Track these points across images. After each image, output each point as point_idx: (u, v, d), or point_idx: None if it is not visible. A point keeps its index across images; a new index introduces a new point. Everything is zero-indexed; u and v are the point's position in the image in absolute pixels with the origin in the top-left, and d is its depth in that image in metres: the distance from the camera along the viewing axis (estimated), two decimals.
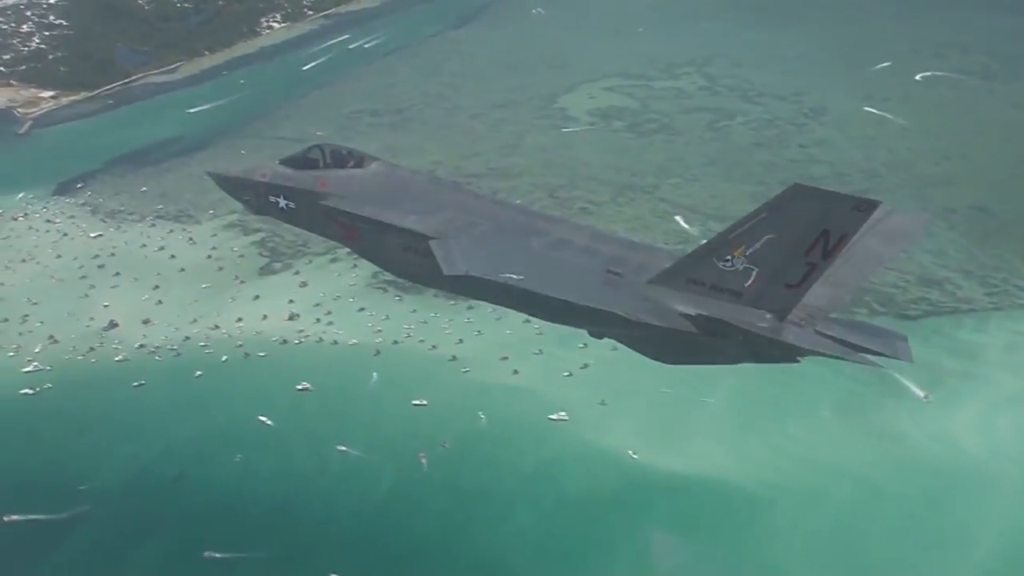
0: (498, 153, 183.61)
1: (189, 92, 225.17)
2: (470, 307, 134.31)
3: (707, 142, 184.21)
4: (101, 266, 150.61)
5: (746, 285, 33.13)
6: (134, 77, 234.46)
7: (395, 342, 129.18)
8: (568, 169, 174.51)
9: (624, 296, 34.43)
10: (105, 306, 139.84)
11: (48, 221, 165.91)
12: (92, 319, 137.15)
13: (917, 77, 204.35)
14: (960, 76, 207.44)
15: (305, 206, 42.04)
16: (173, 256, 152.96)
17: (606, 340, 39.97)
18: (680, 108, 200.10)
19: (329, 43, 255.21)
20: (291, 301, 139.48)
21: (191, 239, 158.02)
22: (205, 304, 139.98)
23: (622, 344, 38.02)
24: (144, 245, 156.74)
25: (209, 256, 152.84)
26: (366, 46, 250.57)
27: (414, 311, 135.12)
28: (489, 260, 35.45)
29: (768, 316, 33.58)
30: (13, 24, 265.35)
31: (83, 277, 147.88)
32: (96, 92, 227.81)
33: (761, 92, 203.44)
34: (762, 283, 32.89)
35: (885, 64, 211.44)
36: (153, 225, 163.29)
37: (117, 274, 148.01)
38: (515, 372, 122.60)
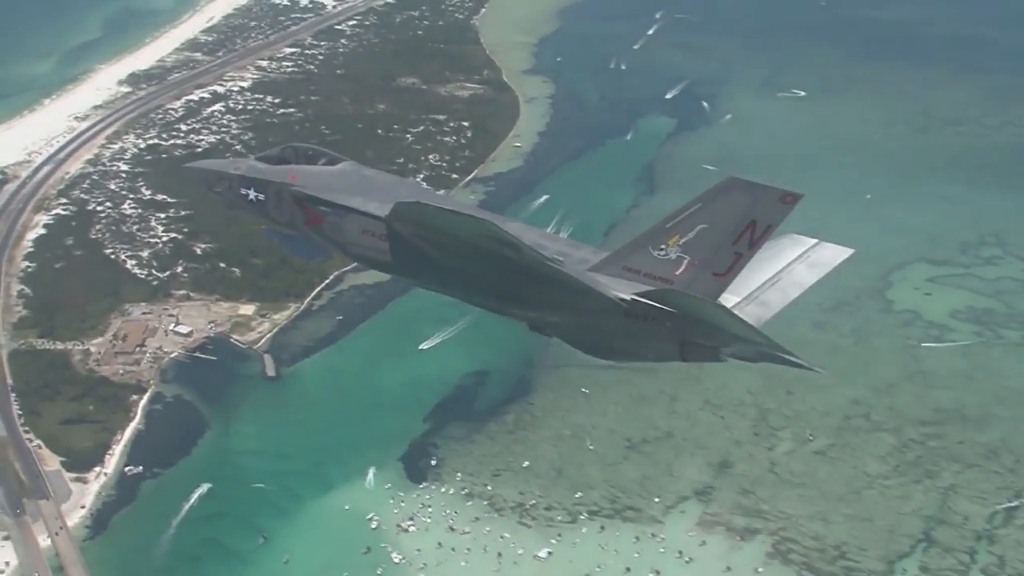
0: (910, 384, 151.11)
1: (410, 296, 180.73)
2: None
3: None
4: None
5: (676, 273, 33.51)
6: (331, 278, 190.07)
7: None
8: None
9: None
10: None
11: (451, 530, 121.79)
12: None
13: None
14: None
15: (274, 195, 43.25)
16: None
17: None
18: None
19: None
20: None
21: (679, 554, 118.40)
22: None
23: (561, 339, 37.77)
24: (628, 569, 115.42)
25: None
26: (567, 233, 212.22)
27: None
28: None
29: None
30: (109, 204, 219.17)
31: None
32: (304, 303, 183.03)
33: None
34: (692, 271, 33.23)
35: None
36: (601, 529, 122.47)
37: None
38: None
